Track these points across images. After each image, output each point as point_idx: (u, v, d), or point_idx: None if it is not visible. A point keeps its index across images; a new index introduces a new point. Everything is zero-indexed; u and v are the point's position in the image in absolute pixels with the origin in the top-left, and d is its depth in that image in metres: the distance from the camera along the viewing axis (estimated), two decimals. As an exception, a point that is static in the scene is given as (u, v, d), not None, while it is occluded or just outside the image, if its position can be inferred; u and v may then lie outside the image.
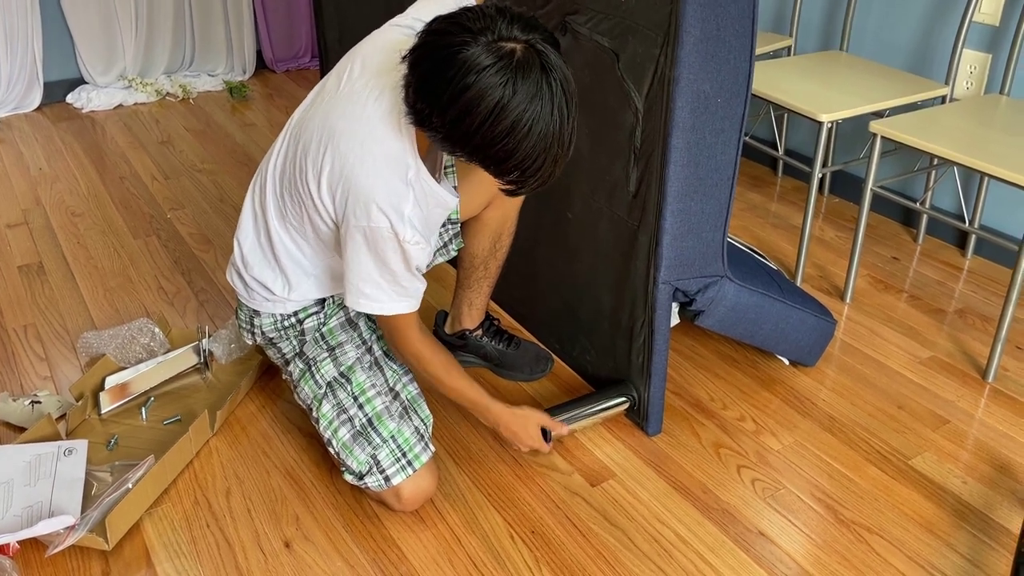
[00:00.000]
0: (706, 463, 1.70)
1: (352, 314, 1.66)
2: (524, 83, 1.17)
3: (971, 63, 2.30)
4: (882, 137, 2.00)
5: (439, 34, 1.20)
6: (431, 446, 1.57)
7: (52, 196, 2.78)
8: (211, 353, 1.94)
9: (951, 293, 2.27)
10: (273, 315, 1.61)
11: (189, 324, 2.13)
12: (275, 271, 1.56)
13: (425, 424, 1.58)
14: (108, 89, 3.56)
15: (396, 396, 1.58)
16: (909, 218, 2.59)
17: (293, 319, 1.62)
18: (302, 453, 1.72)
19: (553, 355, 2.00)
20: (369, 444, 1.52)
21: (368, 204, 1.33)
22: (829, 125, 2.10)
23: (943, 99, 2.27)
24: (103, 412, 1.78)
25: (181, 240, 2.52)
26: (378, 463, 1.51)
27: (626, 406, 1.77)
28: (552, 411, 1.71)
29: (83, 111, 3.48)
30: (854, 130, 2.63)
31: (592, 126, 1.67)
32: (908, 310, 2.19)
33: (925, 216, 2.47)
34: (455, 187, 1.64)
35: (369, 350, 1.63)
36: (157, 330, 1.98)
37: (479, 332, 1.93)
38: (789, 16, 2.71)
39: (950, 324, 2.13)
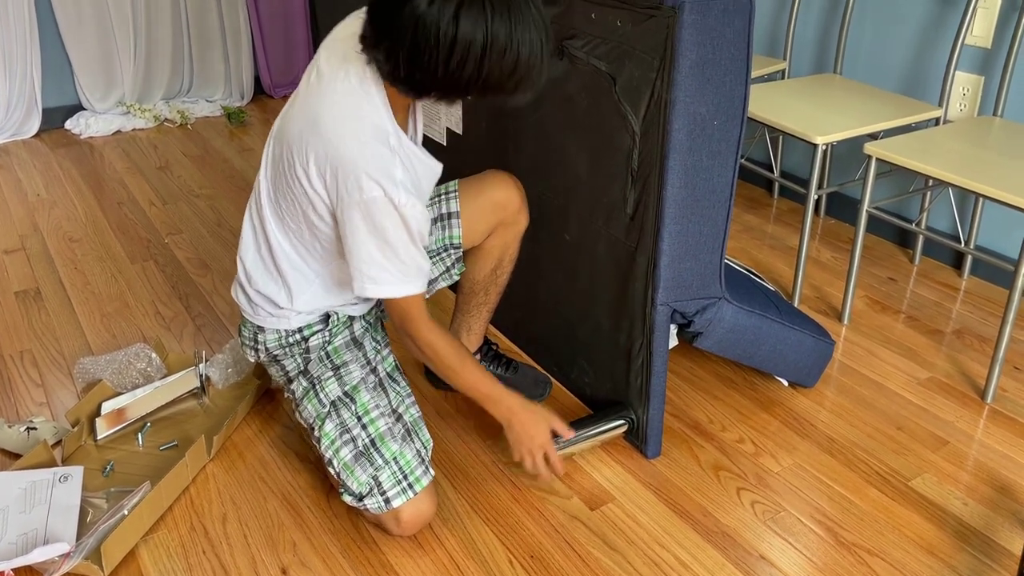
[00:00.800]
0: (706, 486, 1.69)
1: (358, 333, 1.65)
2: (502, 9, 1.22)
3: (964, 85, 2.32)
4: (877, 159, 2.01)
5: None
6: (431, 470, 1.55)
7: (50, 222, 2.78)
8: (208, 378, 1.93)
9: (948, 314, 2.27)
10: (277, 331, 1.60)
11: (186, 349, 2.12)
12: (277, 283, 1.56)
13: (426, 448, 1.57)
14: (106, 115, 3.58)
15: (399, 418, 1.57)
16: (905, 239, 2.59)
17: (298, 335, 1.60)
18: (299, 478, 1.71)
19: (551, 378, 2.00)
20: (371, 465, 1.50)
21: (359, 176, 1.33)
22: (824, 147, 2.12)
23: (937, 121, 2.28)
24: (99, 438, 1.77)
25: (178, 265, 2.52)
26: (379, 485, 1.50)
27: (625, 428, 1.77)
28: (551, 434, 1.70)
29: (81, 137, 3.49)
30: (849, 151, 2.65)
31: (590, 148, 1.68)
32: (906, 331, 2.19)
33: (921, 237, 2.48)
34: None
35: (374, 371, 1.62)
36: (154, 355, 1.98)
37: (477, 357, 1.92)
38: (783, 40, 2.74)
39: (948, 345, 2.13)
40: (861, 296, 2.34)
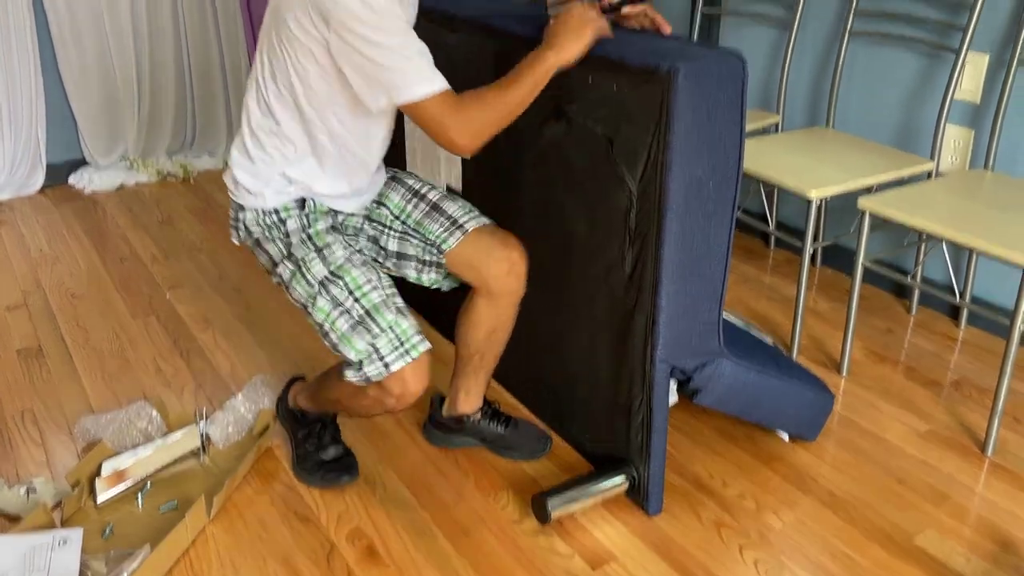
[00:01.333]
0: (708, 543, 1.68)
1: (338, 221, 1.70)
2: None
3: (955, 138, 2.36)
4: (871, 213, 2.04)
5: None
6: (427, 341, 1.56)
7: (52, 278, 2.80)
8: (208, 436, 1.93)
9: (947, 364, 2.28)
10: (255, 210, 1.63)
11: (187, 406, 2.12)
12: (264, 159, 1.60)
13: (413, 323, 1.58)
14: (110, 170, 3.62)
15: (389, 294, 1.59)
16: (902, 289, 2.61)
17: (274, 216, 1.63)
18: (299, 540, 1.70)
19: (552, 433, 2.00)
20: (368, 333, 1.54)
21: None
22: (818, 202, 2.15)
23: (929, 174, 2.32)
24: (99, 501, 1.77)
25: (180, 320, 2.53)
26: (377, 351, 1.53)
27: (626, 486, 1.76)
28: (552, 492, 1.70)
29: (85, 192, 3.53)
30: (844, 202, 2.68)
31: (588, 207, 1.71)
32: (905, 383, 2.20)
33: (917, 289, 2.50)
34: None
35: (359, 251, 1.66)
36: (155, 413, 1.98)
37: (477, 416, 1.94)
38: (775, 93, 2.79)
39: (947, 396, 2.14)
40: (859, 347, 2.35)
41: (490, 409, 1.95)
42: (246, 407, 2.00)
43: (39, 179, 3.52)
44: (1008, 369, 1.86)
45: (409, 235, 1.76)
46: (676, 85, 1.41)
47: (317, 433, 1.88)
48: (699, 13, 2.93)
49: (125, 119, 3.63)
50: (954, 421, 2.04)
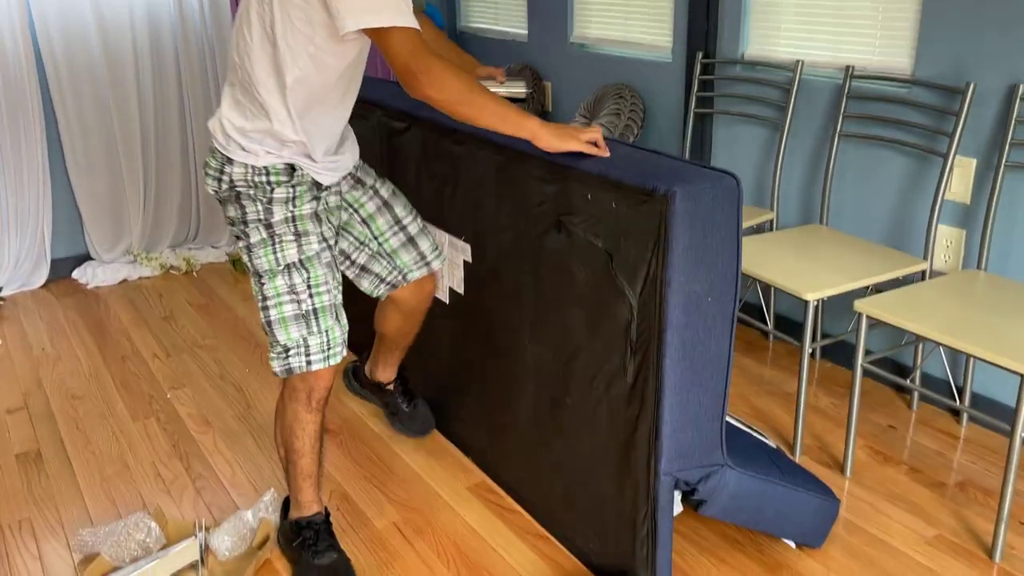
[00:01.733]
0: (717, 660, 1.65)
1: (320, 208, 1.81)
2: None
3: (947, 238, 2.41)
4: (867, 315, 2.06)
5: None
6: (345, 350, 1.80)
7: (53, 378, 2.80)
8: (208, 548, 1.91)
9: (950, 464, 2.27)
10: (245, 165, 1.70)
11: (186, 513, 2.10)
12: (258, 114, 1.68)
13: (343, 330, 1.79)
14: (113, 264, 3.66)
15: (336, 299, 1.78)
16: (902, 385, 2.62)
17: (264, 177, 1.71)
18: (300, 659, 1.66)
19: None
20: (306, 327, 1.73)
21: None
22: (815, 303, 2.17)
23: (923, 274, 2.35)
24: (96, 618, 1.73)
25: (180, 422, 2.53)
26: (308, 346, 1.73)
27: (632, 599, 1.74)
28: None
29: (88, 286, 3.56)
30: (841, 299, 2.71)
31: (589, 317, 1.73)
32: (909, 484, 2.19)
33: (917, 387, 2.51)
34: None
35: (329, 248, 1.80)
36: (153, 524, 1.96)
37: (391, 387, 2.35)
38: (769, 190, 2.85)
39: (952, 498, 2.13)
40: (862, 446, 2.35)
41: (402, 385, 2.34)
42: (246, 519, 1.98)
43: (43, 274, 3.56)
44: (1012, 473, 1.86)
45: (381, 256, 2.00)
46: (673, 207, 1.45)
47: (312, 540, 1.88)
48: (692, 113, 3.02)
49: (130, 214, 3.68)
50: (960, 525, 2.02)
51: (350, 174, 1.95)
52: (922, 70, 2.38)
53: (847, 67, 2.55)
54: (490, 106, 1.62)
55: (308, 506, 1.88)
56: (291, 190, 1.74)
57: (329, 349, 1.74)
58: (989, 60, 2.23)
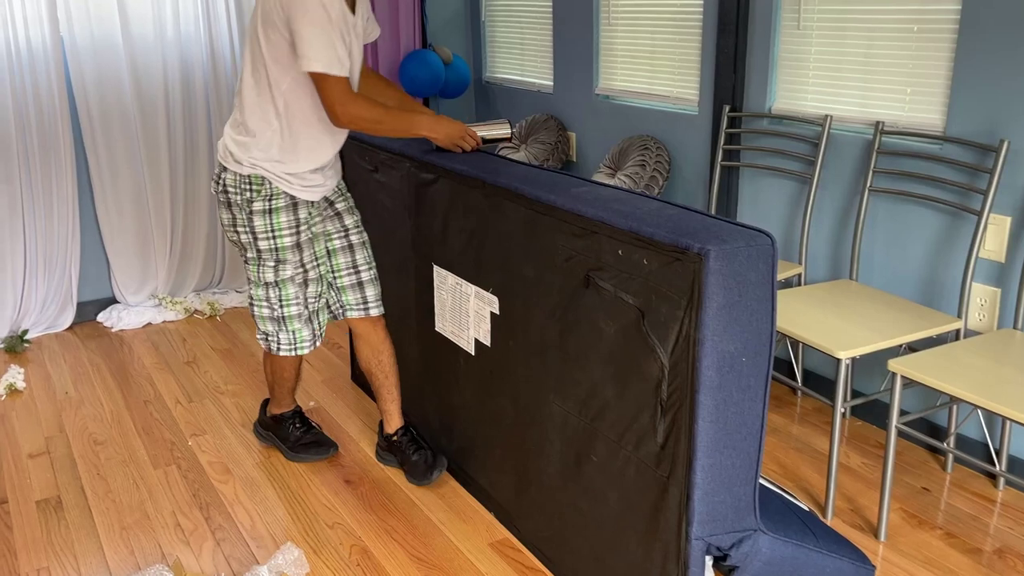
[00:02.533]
0: None
1: (303, 240, 2.21)
2: None
3: (981, 296, 2.37)
4: (902, 375, 2.02)
5: None
6: (317, 344, 2.31)
7: (76, 422, 2.80)
8: (227, 603, 1.87)
9: (986, 529, 2.20)
10: (234, 173, 2.14)
11: (205, 565, 2.07)
12: (246, 135, 2.10)
13: (321, 328, 2.31)
14: (138, 308, 3.68)
15: (307, 307, 2.27)
16: (936, 446, 2.55)
17: (247, 185, 2.13)
18: None
19: (445, 461, 2.42)
20: (277, 327, 2.26)
21: None
22: (847, 362, 2.13)
23: (957, 333, 2.31)
24: (111, 675, 1.70)
25: (201, 470, 2.51)
26: (278, 340, 2.27)
27: (661, 668, 1.68)
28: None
29: (113, 330, 3.58)
30: (873, 357, 2.66)
31: (618, 375, 1.70)
32: (945, 549, 2.12)
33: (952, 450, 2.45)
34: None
35: (304, 272, 2.24)
36: (172, 576, 1.93)
37: (396, 437, 2.48)
38: (797, 244, 2.83)
39: (988, 565, 2.05)
40: (896, 508, 2.28)
41: (408, 434, 2.48)
42: (266, 574, 1.94)
43: (69, 317, 3.58)
44: (1056, 543, 1.79)
45: (332, 286, 2.37)
46: (707, 266, 1.44)
47: (294, 424, 2.55)
48: (718, 166, 3.01)
49: (156, 258, 3.71)
50: (1002, 595, 1.95)
51: (334, 208, 2.33)
52: (954, 127, 2.37)
53: (877, 123, 2.54)
54: (398, 125, 2.09)
55: (288, 404, 2.54)
56: (267, 203, 2.14)
57: (296, 344, 2.28)
58: (1023, 117, 2.21)
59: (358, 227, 2.37)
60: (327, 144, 2.15)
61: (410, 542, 2.17)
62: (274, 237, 2.16)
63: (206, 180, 3.76)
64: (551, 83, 3.90)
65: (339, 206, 2.33)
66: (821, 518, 2.15)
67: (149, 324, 3.64)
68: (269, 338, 2.28)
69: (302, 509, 2.31)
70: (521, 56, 4.11)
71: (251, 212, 2.13)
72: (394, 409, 2.47)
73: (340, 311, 2.39)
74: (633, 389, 1.67)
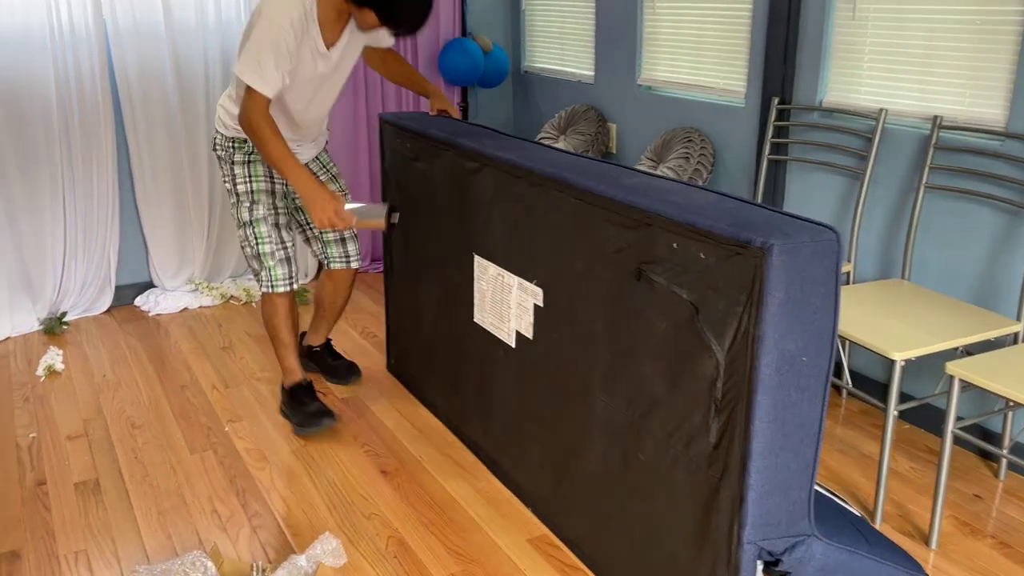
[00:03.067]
0: None
1: (276, 186, 2.55)
2: None
3: (1041, 298, 2.28)
4: (960, 379, 1.95)
5: None
6: (295, 284, 2.58)
7: (114, 405, 2.80)
8: (264, 592, 1.86)
9: (1044, 540, 2.12)
10: (222, 134, 2.50)
11: (242, 553, 2.06)
12: (238, 104, 2.35)
13: (295, 275, 2.56)
14: (175, 293, 3.69)
15: (284, 249, 2.54)
16: (989, 451, 2.48)
17: (231, 144, 2.48)
18: None
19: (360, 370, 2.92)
20: (257, 264, 2.54)
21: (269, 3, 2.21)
22: (903, 363, 2.06)
23: (1015, 336, 2.23)
24: (149, 661, 1.69)
25: (237, 456, 2.50)
26: (259, 277, 2.55)
27: (707, 673, 1.63)
28: None
29: (149, 314, 3.58)
30: (923, 359, 2.59)
31: (669, 371, 1.66)
32: (997, 559, 2.05)
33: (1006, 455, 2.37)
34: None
35: (275, 214, 2.54)
36: (209, 564, 1.92)
37: (318, 348, 2.94)
38: (847, 240, 2.75)
39: (1049, 577, 1.98)
40: (947, 515, 2.21)
41: (326, 347, 2.94)
42: (300, 564, 1.92)
43: (107, 300, 3.59)
44: (1123, 558, 1.72)
45: (319, 240, 2.72)
46: (770, 261, 1.38)
47: (299, 398, 2.64)
48: (765, 159, 2.94)
49: (194, 244, 3.71)
50: (1061, 609, 1.88)
51: (318, 174, 2.67)
52: (1017, 122, 2.28)
53: (935, 117, 2.46)
54: (278, 157, 2.25)
55: (293, 373, 2.66)
56: (247, 156, 2.49)
57: (272, 282, 2.53)
58: (1092, 114, 2.13)
59: (342, 191, 2.71)
60: (283, 124, 2.42)
61: (447, 535, 2.14)
62: (250, 181, 2.50)
63: (244, 166, 3.75)
64: (592, 73, 3.84)
65: (321, 177, 2.67)
66: (871, 524, 2.09)
67: (186, 309, 3.64)
68: (257, 277, 2.56)
69: (338, 498, 2.29)
70: (561, 45, 4.06)
71: (233, 163, 2.49)
72: (324, 330, 2.91)
73: (326, 262, 2.75)
74: (685, 386, 1.62)
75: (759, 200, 2.97)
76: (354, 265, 2.76)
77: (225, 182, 2.55)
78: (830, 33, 2.76)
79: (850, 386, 2.46)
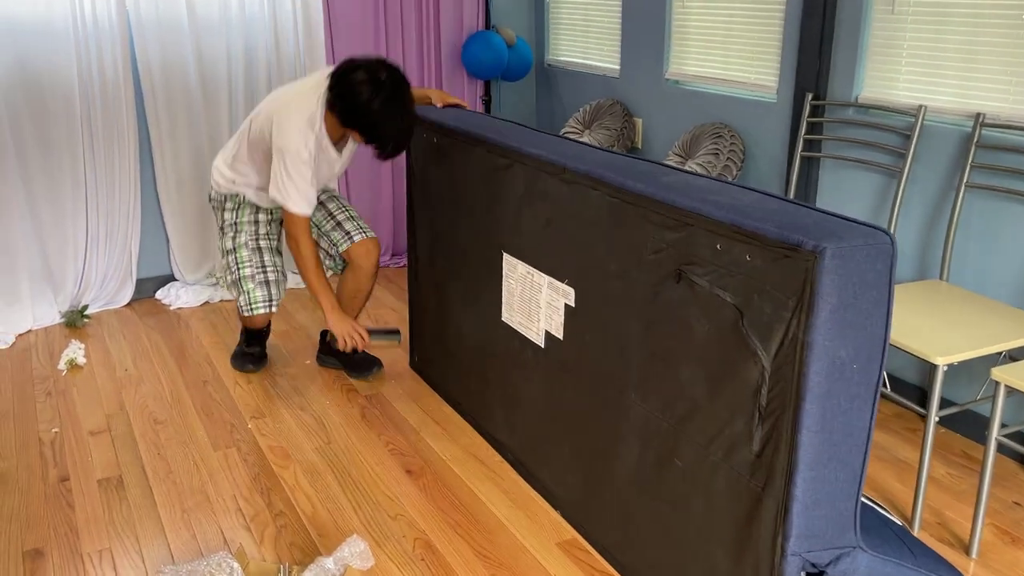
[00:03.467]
0: None
1: (261, 219, 2.76)
2: (387, 91, 2.36)
3: (1086, 302, 2.22)
4: (1006, 385, 1.89)
5: (349, 65, 2.43)
6: (273, 309, 2.75)
7: (136, 400, 2.78)
8: (291, 595, 1.82)
9: (1089, 551, 2.06)
10: (218, 192, 2.76)
11: (267, 553, 2.03)
12: (231, 170, 2.71)
13: (276, 298, 2.75)
14: (196, 286, 3.66)
15: (263, 272, 2.74)
16: (1026, 457, 2.42)
17: (222, 199, 2.76)
18: None
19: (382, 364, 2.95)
20: (237, 290, 2.74)
21: (287, 131, 2.45)
22: (945, 368, 2.01)
23: (1062, 340, 2.16)
24: (176, 665, 1.66)
25: (261, 454, 2.47)
26: (239, 302, 2.75)
27: None
28: None
29: (171, 307, 3.56)
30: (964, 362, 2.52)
31: (710, 376, 1.61)
32: (1044, 570, 1.99)
33: (1046, 458, 2.31)
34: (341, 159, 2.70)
35: (256, 239, 2.76)
36: (236, 565, 1.89)
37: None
38: (881, 242, 2.68)
39: (1095, 590, 1.93)
40: (987, 524, 2.16)
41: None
42: (327, 567, 1.89)
43: (128, 293, 3.57)
44: None
45: (332, 221, 2.81)
46: (823, 265, 1.33)
47: (245, 339, 2.99)
48: (798, 156, 2.88)
49: (215, 237, 3.68)
50: (1109, 624, 1.82)
51: (336, 213, 2.86)
52: (1064, 120, 2.22)
53: (977, 114, 2.39)
54: (316, 288, 2.62)
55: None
56: (236, 204, 2.75)
57: (250, 304, 2.73)
58: None
59: (360, 229, 2.83)
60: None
61: (475, 537, 2.10)
62: (237, 211, 2.74)
63: (266, 159, 3.72)
64: (617, 67, 3.78)
65: (339, 216, 2.83)
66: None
67: (207, 303, 3.61)
68: (238, 304, 2.75)
69: (363, 498, 2.25)
70: (586, 39, 4.00)
71: (224, 208, 2.76)
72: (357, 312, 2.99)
73: (346, 241, 2.79)
74: (727, 392, 1.57)
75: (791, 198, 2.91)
76: (370, 234, 2.81)
77: (217, 225, 2.82)
78: (868, 27, 2.69)
79: (888, 390, 2.40)
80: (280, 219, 2.82)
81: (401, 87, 2.37)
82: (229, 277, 2.73)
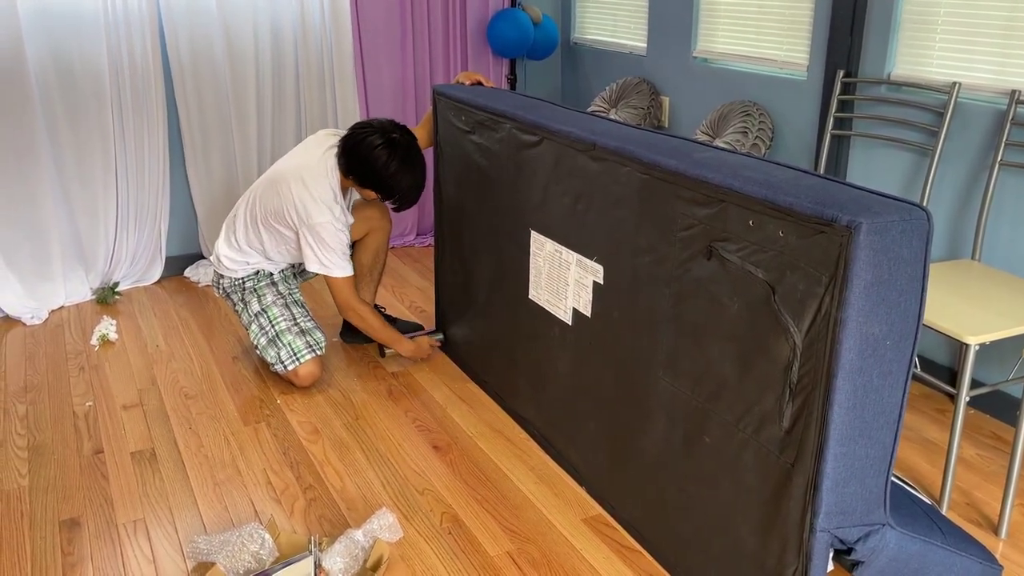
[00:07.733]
0: None
1: (276, 279, 2.79)
2: (401, 152, 2.54)
3: (1123, 282, 2.18)
4: (1040, 365, 1.87)
5: (361, 131, 2.56)
6: (318, 352, 2.69)
7: (167, 376, 2.82)
8: (321, 567, 1.85)
9: (1121, 533, 2.05)
10: (231, 279, 2.76)
11: (297, 525, 2.06)
12: (239, 254, 2.74)
13: (319, 343, 2.71)
14: (224, 264, 3.69)
15: (296, 324, 2.70)
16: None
17: (241, 283, 2.76)
18: None
19: (423, 327, 3.05)
20: (276, 347, 2.66)
21: (315, 208, 2.55)
22: (976, 348, 1.99)
23: (1097, 320, 2.13)
24: (211, 632, 1.69)
25: (290, 429, 2.50)
26: (281, 359, 2.65)
27: (773, 662, 1.60)
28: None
29: (199, 285, 3.60)
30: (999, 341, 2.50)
31: (740, 353, 1.61)
32: (1075, 552, 1.98)
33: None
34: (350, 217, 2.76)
35: (283, 297, 2.76)
36: (267, 536, 1.92)
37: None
38: (912, 221, 2.65)
39: None
40: (1017, 504, 2.14)
41: (381, 312, 3.01)
42: (357, 539, 1.92)
43: (158, 271, 3.61)
44: None
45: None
46: (857, 241, 1.32)
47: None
48: (828, 134, 2.85)
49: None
50: None
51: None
52: (1104, 97, 2.17)
53: (1013, 91, 2.35)
54: (384, 337, 2.75)
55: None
56: (255, 281, 2.77)
57: (295, 355, 2.65)
58: None
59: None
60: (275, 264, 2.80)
61: (501, 513, 2.12)
62: (256, 279, 2.75)
63: (293, 141, 3.74)
64: (644, 45, 3.75)
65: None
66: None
67: (234, 280, 3.65)
68: (277, 365, 2.65)
69: (391, 473, 2.28)
70: (613, 16, 3.97)
71: (244, 290, 2.76)
72: (373, 296, 3.02)
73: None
74: (757, 369, 1.57)
75: (820, 177, 2.88)
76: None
77: (236, 307, 2.78)
78: (900, 4, 2.64)
79: (918, 370, 2.38)
80: (293, 273, 2.88)
81: (412, 144, 2.55)
82: (263, 339, 2.65)
